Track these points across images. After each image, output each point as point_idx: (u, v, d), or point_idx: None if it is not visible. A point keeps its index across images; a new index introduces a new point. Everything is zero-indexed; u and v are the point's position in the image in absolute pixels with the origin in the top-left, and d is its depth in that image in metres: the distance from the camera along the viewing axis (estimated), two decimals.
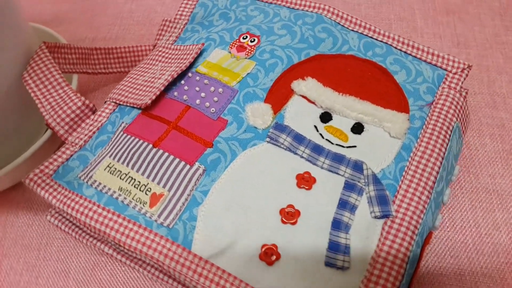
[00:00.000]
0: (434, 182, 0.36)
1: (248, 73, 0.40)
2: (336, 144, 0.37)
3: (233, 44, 0.42)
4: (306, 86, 0.39)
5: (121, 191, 0.35)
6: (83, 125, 0.40)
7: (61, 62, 0.46)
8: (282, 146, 0.37)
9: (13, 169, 0.41)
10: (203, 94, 0.39)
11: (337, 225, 0.34)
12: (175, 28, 0.47)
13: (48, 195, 0.36)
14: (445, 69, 0.42)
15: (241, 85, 0.39)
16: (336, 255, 0.33)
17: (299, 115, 0.38)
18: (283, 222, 0.34)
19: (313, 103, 0.39)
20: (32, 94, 0.40)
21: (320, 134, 0.38)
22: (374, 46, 0.42)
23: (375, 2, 0.59)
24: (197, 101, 0.39)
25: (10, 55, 0.40)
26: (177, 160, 0.36)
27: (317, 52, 0.41)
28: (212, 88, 0.39)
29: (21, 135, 0.45)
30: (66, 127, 0.40)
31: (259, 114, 0.38)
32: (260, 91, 0.39)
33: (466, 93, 0.42)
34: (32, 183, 0.36)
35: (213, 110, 0.38)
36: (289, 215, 0.34)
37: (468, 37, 0.55)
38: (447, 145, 0.38)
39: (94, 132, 0.40)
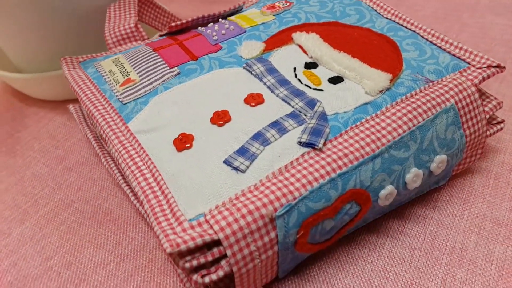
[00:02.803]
0: (389, 141, 0.31)
1: (263, 23, 0.42)
2: (305, 85, 0.36)
3: (267, 5, 0.45)
4: (306, 37, 0.39)
5: (110, 72, 0.40)
6: (129, 44, 0.47)
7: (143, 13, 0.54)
8: (253, 72, 0.37)
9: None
10: (216, 27, 0.42)
11: (257, 136, 0.32)
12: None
13: (67, 70, 0.42)
14: (468, 63, 0.37)
15: (252, 29, 0.42)
16: (238, 157, 0.31)
17: (286, 57, 0.38)
18: (211, 121, 0.34)
19: (306, 53, 0.38)
20: (107, 15, 0.49)
21: (295, 74, 0.37)
22: (399, 30, 0.40)
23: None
24: (208, 31, 0.42)
25: None
26: (162, 61, 0.39)
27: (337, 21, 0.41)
28: (226, 26, 0.42)
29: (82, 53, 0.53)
30: (115, 39, 0.47)
31: (249, 47, 0.39)
32: (265, 35, 0.41)
33: (499, 122, 0.37)
34: (64, 62, 0.43)
35: (215, 38, 0.41)
36: (219, 117, 0.34)
37: None
38: (427, 117, 0.32)
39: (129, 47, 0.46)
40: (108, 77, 0.40)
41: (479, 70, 0.36)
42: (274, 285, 0.33)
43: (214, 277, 0.27)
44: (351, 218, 0.31)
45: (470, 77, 0.36)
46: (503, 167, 0.39)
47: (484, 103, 0.37)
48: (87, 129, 0.44)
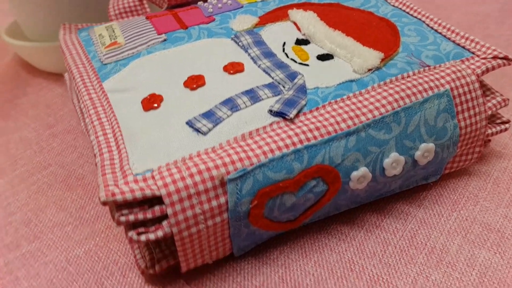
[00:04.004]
0: (368, 120, 0.29)
1: (262, 0, 0.40)
2: (291, 59, 0.33)
3: None
4: (302, 14, 0.37)
5: (99, 36, 0.39)
6: (130, 18, 0.46)
7: None
8: (240, 43, 0.35)
9: None
10: (214, 2, 0.41)
11: (227, 102, 0.30)
12: None
13: (62, 34, 0.42)
14: (473, 52, 0.34)
15: (250, 5, 0.40)
16: (202, 119, 0.29)
17: (278, 32, 0.36)
18: (184, 84, 0.32)
19: (300, 31, 0.36)
20: None
21: (283, 49, 0.34)
22: (404, 16, 0.37)
23: None
24: (205, 5, 0.40)
25: None
26: (152, 28, 0.38)
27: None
28: (225, 0, 0.41)
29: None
30: (117, 11, 0.46)
31: (241, 20, 0.37)
32: (261, 11, 0.39)
33: (504, 122, 0.34)
34: (62, 27, 0.43)
35: (210, 10, 0.39)
36: (193, 81, 0.32)
37: None
38: (416, 100, 0.30)
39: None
40: (97, 40, 0.39)
41: (483, 60, 0.33)
42: (228, 264, 0.31)
43: (151, 236, 0.25)
44: (317, 198, 0.28)
45: (473, 66, 0.32)
46: (504, 173, 0.35)
47: (488, 98, 0.33)
48: (74, 95, 0.43)
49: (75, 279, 0.31)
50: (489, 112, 0.33)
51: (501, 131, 0.34)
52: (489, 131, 0.34)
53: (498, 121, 0.35)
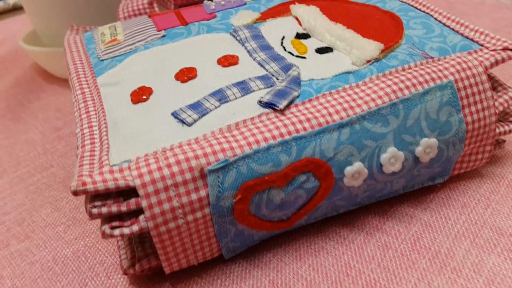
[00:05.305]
0: (363, 111, 0.27)
1: None
2: (288, 52, 0.32)
3: None
4: (304, 9, 0.35)
5: (100, 34, 0.39)
6: (134, 18, 0.46)
7: None
8: (237, 37, 0.34)
9: None
10: (217, 0, 0.40)
11: (216, 93, 0.29)
12: None
13: (68, 35, 0.42)
14: (482, 45, 0.31)
15: (253, 2, 0.39)
16: (187, 110, 0.28)
17: (278, 27, 0.35)
18: (175, 76, 0.31)
19: (301, 25, 0.35)
20: None
21: (282, 42, 0.33)
22: (411, 11, 0.35)
23: None
24: (209, 3, 0.40)
25: None
26: (152, 25, 0.37)
27: None
28: None
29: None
30: (126, 14, 0.46)
31: (242, 15, 0.36)
32: (264, 8, 0.38)
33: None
34: (69, 28, 0.43)
35: (212, 7, 0.38)
36: (184, 74, 0.31)
37: None
38: (416, 91, 0.28)
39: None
40: (98, 38, 0.38)
41: (492, 52, 0.31)
42: (218, 266, 0.29)
43: (126, 231, 0.24)
44: (309, 196, 0.27)
45: (481, 58, 0.30)
46: None
47: (499, 94, 0.31)
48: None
49: (59, 279, 0.29)
50: (500, 108, 0.30)
51: None
52: (501, 130, 0.31)
53: (511, 118, 0.32)
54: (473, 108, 0.29)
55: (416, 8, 0.36)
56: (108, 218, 0.24)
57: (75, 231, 0.33)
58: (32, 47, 0.54)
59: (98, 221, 0.34)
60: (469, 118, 0.29)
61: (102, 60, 0.35)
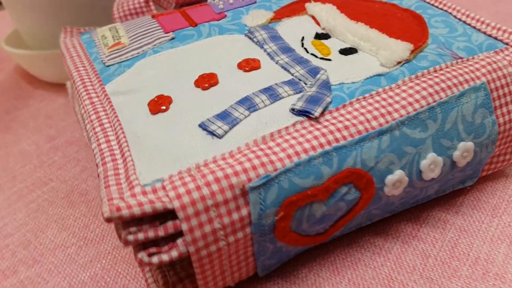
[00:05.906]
0: (401, 116, 0.26)
1: None
2: (311, 53, 0.30)
3: None
4: (321, 7, 0.34)
5: (101, 37, 0.36)
6: (135, 19, 0.43)
7: None
8: (254, 39, 0.32)
9: None
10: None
11: (244, 101, 0.27)
12: None
13: (64, 38, 0.39)
14: (507, 43, 0.31)
15: (263, 0, 0.37)
16: (216, 120, 0.26)
17: (295, 27, 0.33)
18: (195, 83, 0.29)
19: (319, 25, 0.33)
20: None
21: (302, 43, 0.32)
22: (429, 8, 0.34)
23: None
24: (215, 1, 0.38)
25: None
26: (158, 27, 0.35)
27: None
28: None
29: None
30: (121, 14, 0.43)
31: (255, 15, 0.35)
32: (276, 6, 0.36)
33: None
34: (63, 30, 0.40)
35: (221, 7, 0.37)
36: (205, 80, 0.29)
37: None
38: (452, 94, 0.27)
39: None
40: (99, 41, 0.36)
41: None
42: (252, 285, 0.27)
43: (165, 257, 0.22)
44: (349, 207, 0.25)
45: (508, 57, 0.30)
46: None
47: None
48: (76, 102, 0.40)
49: None
50: None
51: None
52: None
53: None
54: (504, 109, 0.28)
55: (433, 5, 0.35)
56: (142, 244, 0.22)
57: (88, 253, 0.31)
58: (18, 50, 0.50)
59: (112, 240, 0.32)
60: (501, 120, 0.28)
61: (108, 66, 0.33)
